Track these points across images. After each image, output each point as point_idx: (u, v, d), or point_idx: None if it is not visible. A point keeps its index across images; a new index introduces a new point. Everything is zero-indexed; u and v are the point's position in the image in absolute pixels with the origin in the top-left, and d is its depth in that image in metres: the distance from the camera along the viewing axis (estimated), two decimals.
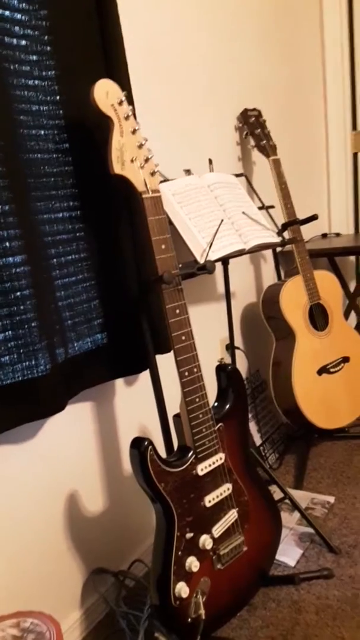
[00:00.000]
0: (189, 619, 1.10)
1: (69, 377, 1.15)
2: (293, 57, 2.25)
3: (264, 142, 1.84)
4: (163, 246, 1.08)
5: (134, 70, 1.34)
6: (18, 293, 1.01)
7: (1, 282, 1.00)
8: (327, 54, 2.46)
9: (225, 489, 1.18)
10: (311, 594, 1.33)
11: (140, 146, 1.07)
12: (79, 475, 1.30)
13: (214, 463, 1.15)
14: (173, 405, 1.22)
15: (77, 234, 1.18)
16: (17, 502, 1.15)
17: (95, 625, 1.33)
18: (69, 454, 1.27)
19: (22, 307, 1.02)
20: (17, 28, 1.03)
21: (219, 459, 1.16)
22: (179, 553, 1.09)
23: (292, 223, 1.80)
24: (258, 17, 1.99)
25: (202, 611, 1.10)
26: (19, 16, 1.03)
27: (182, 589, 1.08)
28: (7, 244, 0.99)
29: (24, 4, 1.04)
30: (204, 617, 1.10)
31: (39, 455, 1.19)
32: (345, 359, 1.91)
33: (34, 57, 1.07)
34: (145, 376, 1.48)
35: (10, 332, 1.03)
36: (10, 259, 1.00)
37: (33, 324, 1.03)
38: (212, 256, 1.26)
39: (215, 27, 1.75)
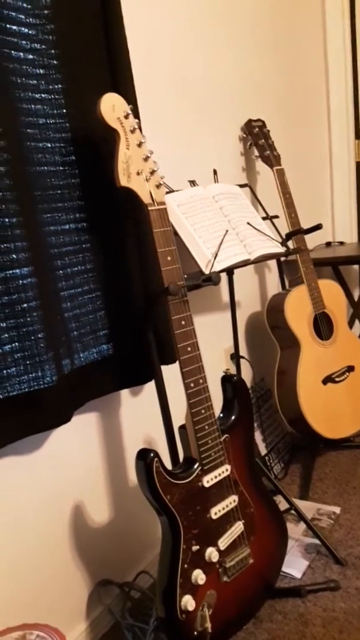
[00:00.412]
0: (195, 633, 1.09)
1: (74, 388, 1.16)
2: (296, 67, 2.27)
3: (268, 152, 1.85)
4: (169, 258, 1.09)
5: (139, 82, 1.35)
6: (25, 305, 1.01)
7: (8, 294, 1.00)
8: (330, 63, 2.48)
9: (232, 501, 1.17)
10: (317, 606, 1.32)
11: (146, 159, 1.08)
12: (85, 486, 1.29)
13: (220, 475, 1.15)
14: (178, 416, 1.22)
15: (84, 246, 1.18)
16: (23, 513, 1.14)
17: (100, 637, 1.32)
18: (75, 465, 1.26)
19: (28, 319, 1.02)
20: (24, 42, 1.04)
21: (225, 470, 1.16)
22: (185, 566, 1.08)
23: (296, 232, 1.81)
24: (261, 27, 2.00)
25: (209, 624, 1.10)
26: (26, 30, 1.04)
27: (188, 602, 1.07)
28: (14, 255, 1.00)
29: (31, 19, 1.05)
30: (210, 630, 1.10)
31: (44, 466, 1.19)
32: (350, 368, 1.91)
33: (41, 71, 1.08)
34: (150, 387, 1.48)
35: (16, 343, 1.03)
36: (17, 271, 1.00)
37: (39, 336, 1.03)
38: (217, 267, 1.26)
39: (219, 37, 1.76)
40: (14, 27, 1.02)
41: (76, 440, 1.27)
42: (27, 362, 1.04)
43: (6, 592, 1.11)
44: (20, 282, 1.01)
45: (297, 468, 1.99)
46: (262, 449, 1.92)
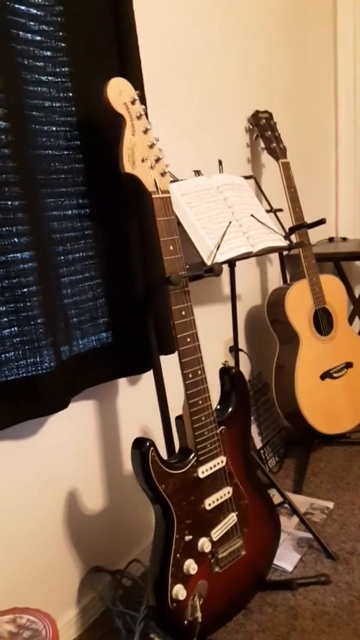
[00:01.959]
0: (185, 622, 1.10)
1: (72, 375, 1.15)
2: (305, 59, 2.25)
3: (274, 144, 1.83)
4: (171, 247, 1.08)
5: (147, 69, 1.33)
6: (25, 289, 1.01)
7: (8, 278, 1.00)
8: (340, 57, 2.45)
9: (226, 493, 1.18)
10: (308, 599, 1.33)
11: (152, 146, 1.07)
12: (80, 473, 1.29)
13: (215, 466, 1.15)
14: (175, 407, 1.22)
15: (85, 232, 1.17)
16: (17, 499, 1.15)
17: (91, 623, 1.33)
18: (70, 452, 1.26)
19: (28, 304, 1.02)
20: (32, 23, 1.03)
21: (220, 462, 1.16)
22: (178, 555, 1.08)
23: (300, 227, 1.80)
24: (271, 19, 1.98)
25: (199, 614, 1.10)
26: (34, 11, 1.03)
27: (179, 591, 1.08)
28: (16, 239, 0.99)
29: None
30: (200, 620, 1.10)
31: (39, 452, 1.19)
32: (349, 365, 1.90)
33: (48, 53, 1.06)
34: (148, 377, 1.47)
35: (15, 328, 1.02)
36: (19, 254, 0.99)
37: (39, 321, 1.03)
38: (219, 258, 1.26)
39: (228, 28, 1.74)
40: (22, 7, 1.01)
41: (72, 427, 1.26)
42: (26, 347, 1.03)
43: None
44: (21, 266, 1.00)
45: (292, 462, 1.99)
46: (258, 443, 1.92)
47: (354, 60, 2.44)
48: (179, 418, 1.16)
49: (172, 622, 1.09)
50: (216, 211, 1.34)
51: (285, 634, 1.23)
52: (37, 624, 0.95)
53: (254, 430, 1.92)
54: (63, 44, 1.08)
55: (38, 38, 1.04)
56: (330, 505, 1.69)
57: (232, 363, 1.71)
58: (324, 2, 2.35)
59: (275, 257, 2.12)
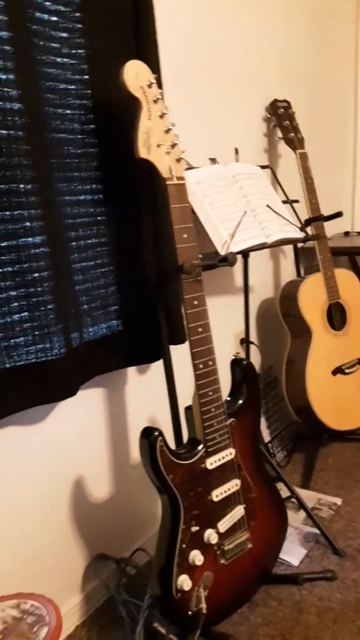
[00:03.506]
0: (190, 612, 1.09)
1: (82, 362, 1.14)
2: (326, 50, 2.20)
3: (292, 134, 1.80)
4: (185, 235, 1.06)
5: (165, 54, 1.31)
6: (36, 274, 1.00)
7: (19, 263, 0.99)
8: None
9: (234, 485, 1.16)
10: (313, 595, 1.32)
11: (168, 131, 1.05)
12: (87, 461, 1.29)
13: (223, 458, 1.14)
14: (184, 397, 1.20)
15: (98, 218, 1.16)
16: (23, 483, 1.14)
17: (94, 610, 1.33)
18: (78, 439, 1.26)
19: (39, 289, 1.01)
20: (48, 3, 1.01)
21: (229, 454, 1.15)
22: (184, 546, 1.08)
23: (316, 219, 1.77)
24: (293, 7, 1.94)
25: (203, 605, 1.09)
26: None
27: (184, 581, 1.07)
28: (28, 223, 0.98)
29: None
30: (204, 611, 1.09)
31: (47, 439, 1.18)
32: None
33: (64, 34, 1.05)
34: (157, 366, 1.46)
35: (26, 313, 1.02)
36: (30, 239, 0.98)
37: (50, 307, 1.02)
38: (233, 248, 1.24)
39: (249, 16, 1.70)
40: None
41: (81, 415, 1.26)
42: (36, 333, 1.03)
43: (3, 560, 1.12)
44: (32, 251, 0.99)
45: (300, 457, 1.98)
46: (266, 436, 1.91)
47: None
48: (188, 408, 1.15)
49: (177, 612, 1.09)
50: (231, 200, 1.32)
51: (290, 628, 1.22)
52: (41, 609, 0.95)
53: (263, 423, 1.91)
54: (79, 25, 1.06)
55: (54, 18, 1.02)
56: (338, 501, 1.67)
57: (243, 355, 1.69)
58: None
59: (289, 249, 2.09)
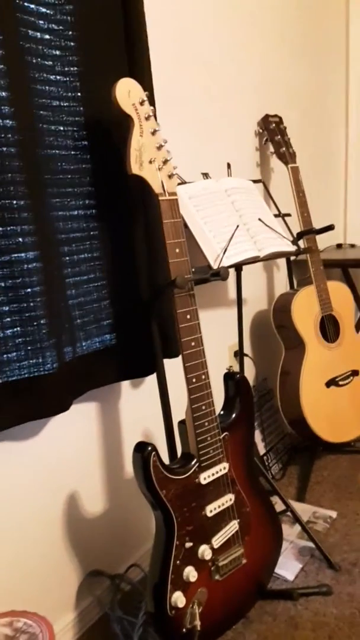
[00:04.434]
0: (184, 629, 1.08)
1: (75, 376, 1.14)
2: (317, 65, 2.23)
3: (284, 149, 1.82)
4: (177, 250, 1.07)
5: (157, 70, 1.33)
6: (29, 289, 1.00)
7: (12, 278, 0.99)
8: (352, 63, 2.44)
9: (228, 500, 1.16)
10: (308, 610, 1.31)
11: (160, 147, 1.06)
12: (80, 476, 1.28)
13: (217, 472, 1.13)
14: (177, 411, 1.20)
15: (91, 233, 1.17)
16: (16, 500, 1.13)
17: (88, 628, 1.31)
18: (71, 454, 1.25)
19: (32, 304, 1.01)
20: (41, 22, 1.02)
21: (222, 468, 1.14)
22: (177, 562, 1.07)
23: (308, 232, 1.78)
24: (283, 23, 1.97)
25: (198, 622, 1.08)
26: (43, 10, 1.03)
27: (178, 598, 1.06)
28: (20, 239, 0.98)
29: None
30: (199, 628, 1.08)
31: (40, 453, 1.18)
32: (355, 373, 1.88)
33: (57, 52, 1.06)
34: (151, 380, 1.46)
35: (19, 328, 1.01)
36: (23, 254, 0.99)
37: (42, 322, 1.02)
38: (226, 262, 1.24)
39: (239, 31, 1.73)
40: (32, 6, 1.00)
41: (74, 429, 1.25)
42: (28, 348, 1.02)
43: None
44: (25, 266, 0.99)
45: (295, 470, 1.97)
46: (261, 449, 1.91)
47: None
48: (182, 423, 1.15)
49: (171, 630, 1.07)
50: (224, 215, 1.33)
51: None
52: (33, 627, 0.94)
53: (258, 436, 1.90)
54: (72, 43, 1.08)
55: (47, 37, 1.04)
56: (334, 514, 1.67)
57: (236, 368, 1.70)
58: (337, 10, 2.34)
59: (282, 262, 2.11)
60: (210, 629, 1.16)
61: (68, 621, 1.27)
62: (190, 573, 1.08)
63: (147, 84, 1.18)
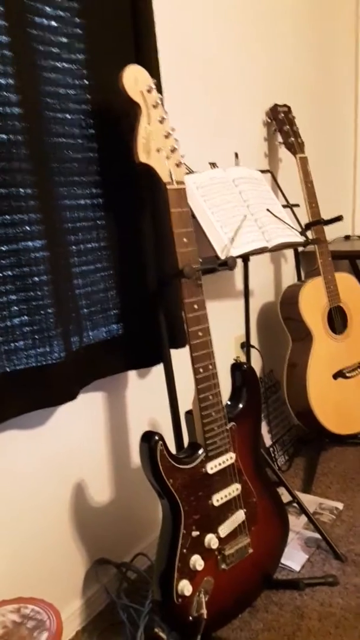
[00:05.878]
0: (190, 618, 1.09)
1: (82, 366, 1.14)
2: (326, 54, 2.21)
3: (292, 139, 1.80)
4: (185, 239, 1.06)
5: (165, 59, 1.31)
6: (36, 278, 1.00)
7: (19, 266, 0.99)
8: None
9: (234, 489, 1.16)
10: (314, 600, 1.31)
11: (167, 136, 1.05)
12: (87, 465, 1.29)
13: (224, 462, 1.13)
14: (184, 401, 1.20)
15: (98, 222, 1.16)
16: (24, 487, 1.14)
17: (95, 615, 1.33)
18: (78, 443, 1.26)
19: (39, 293, 1.01)
20: (48, 9, 1.02)
21: (229, 458, 1.14)
22: (184, 550, 1.07)
23: (317, 223, 1.77)
24: (293, 13, 1.95)
25: (204, 610, 1.09)
26: None
27: (185, 586, 1.06)
28: (27, 227, 0.98)
29: None
30: (205, 616, 1.09)
31: (48, 442, 1.18)
32: None
33: (64, 39, 1.05)
34: (158, 370, 1.46)
35: (26, 317, 1.02)
36: (30, 243, 0.98)
37: (49, 310, 1.02)
38: (234, 252, 1.24)
39: (249, 21, 1.71)
40: None
41: (81, 418, 1.26)
42: (36, 337, 1.03)
43: (3, 565, 1.12)
44: (32, 255, 0.99)
45: (302, 461, 1.97)
46: (267, 440, 1.90)
47: None
48: (188, 413, 1.15)
49: (177, 618, 1.08)
50: (231, 204, 1.32)
51: (291, 633, 1.22)
52: (41, 614, 0.94)
53: (264, 427, 1.90)
54: (79, 31, 1.07)
55: (54, 24, 1.03)
56: (340, 506, 1.67)
57: (243, 359, 1.69)
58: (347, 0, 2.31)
59: (290, 253, 2.09)
60: (216, 617, 1.16)
61: (75, 608, 1.28)
62: (197, 561, 1.08)
63: (154, 71, 1.17)
